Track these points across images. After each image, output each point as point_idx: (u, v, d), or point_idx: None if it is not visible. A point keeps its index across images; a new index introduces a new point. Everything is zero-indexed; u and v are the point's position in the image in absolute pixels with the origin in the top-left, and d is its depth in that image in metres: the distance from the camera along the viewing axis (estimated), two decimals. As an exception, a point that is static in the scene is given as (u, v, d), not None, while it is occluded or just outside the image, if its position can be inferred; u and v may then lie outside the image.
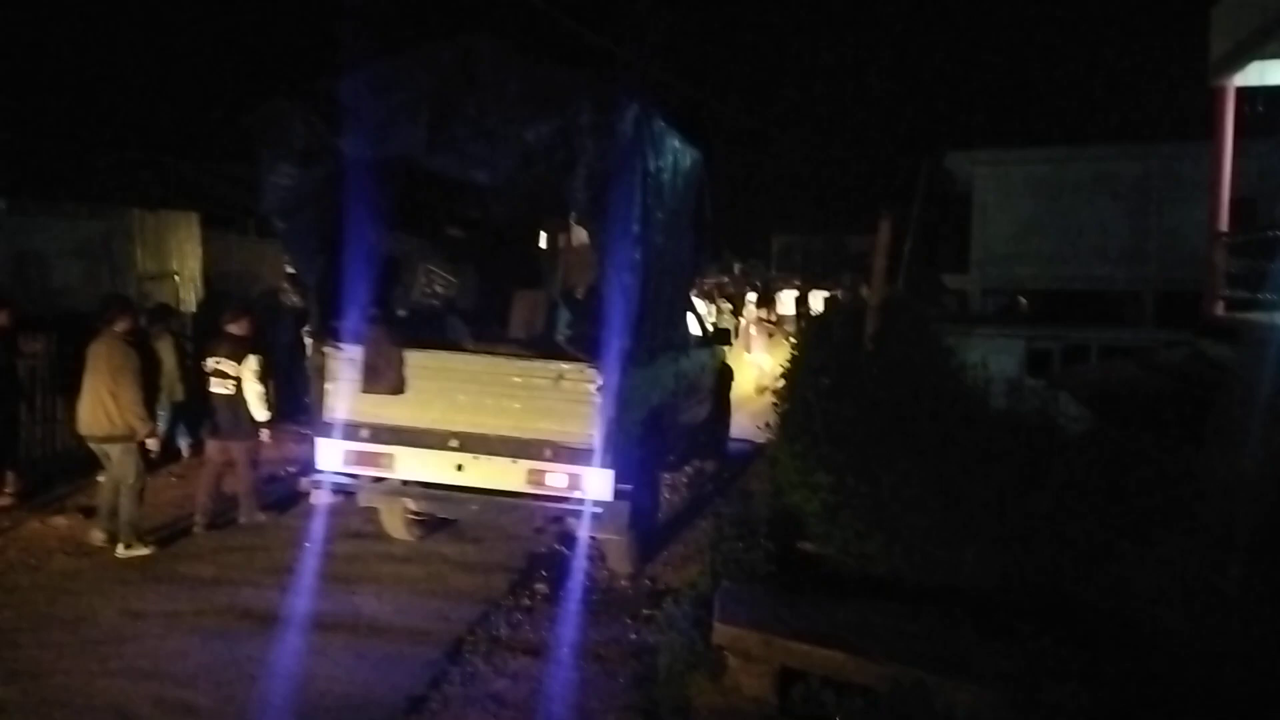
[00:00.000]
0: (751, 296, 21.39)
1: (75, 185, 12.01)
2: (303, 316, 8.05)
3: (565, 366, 5.79)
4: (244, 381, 6.85)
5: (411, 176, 6.16)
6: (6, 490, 7.50)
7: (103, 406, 6.30)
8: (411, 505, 6.39)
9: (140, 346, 6.83)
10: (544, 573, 6.41)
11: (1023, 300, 18.49)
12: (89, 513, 7.13)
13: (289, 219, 6.08)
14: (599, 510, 5.71)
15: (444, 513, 6.56)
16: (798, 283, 26.40)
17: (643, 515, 6.34)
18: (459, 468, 5.94)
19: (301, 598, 5.75)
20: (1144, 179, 17.25)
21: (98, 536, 6.63)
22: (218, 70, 21.85)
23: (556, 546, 6.83)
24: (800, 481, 5.66)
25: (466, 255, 7.32)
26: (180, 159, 14.32)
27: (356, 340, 6.00)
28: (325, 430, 6.10)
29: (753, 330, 15.98)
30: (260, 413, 6.91)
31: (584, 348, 5.79)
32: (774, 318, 18.89)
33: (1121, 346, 13.61)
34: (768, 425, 6.80)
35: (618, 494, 5.76)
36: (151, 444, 6.71)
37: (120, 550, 6.46)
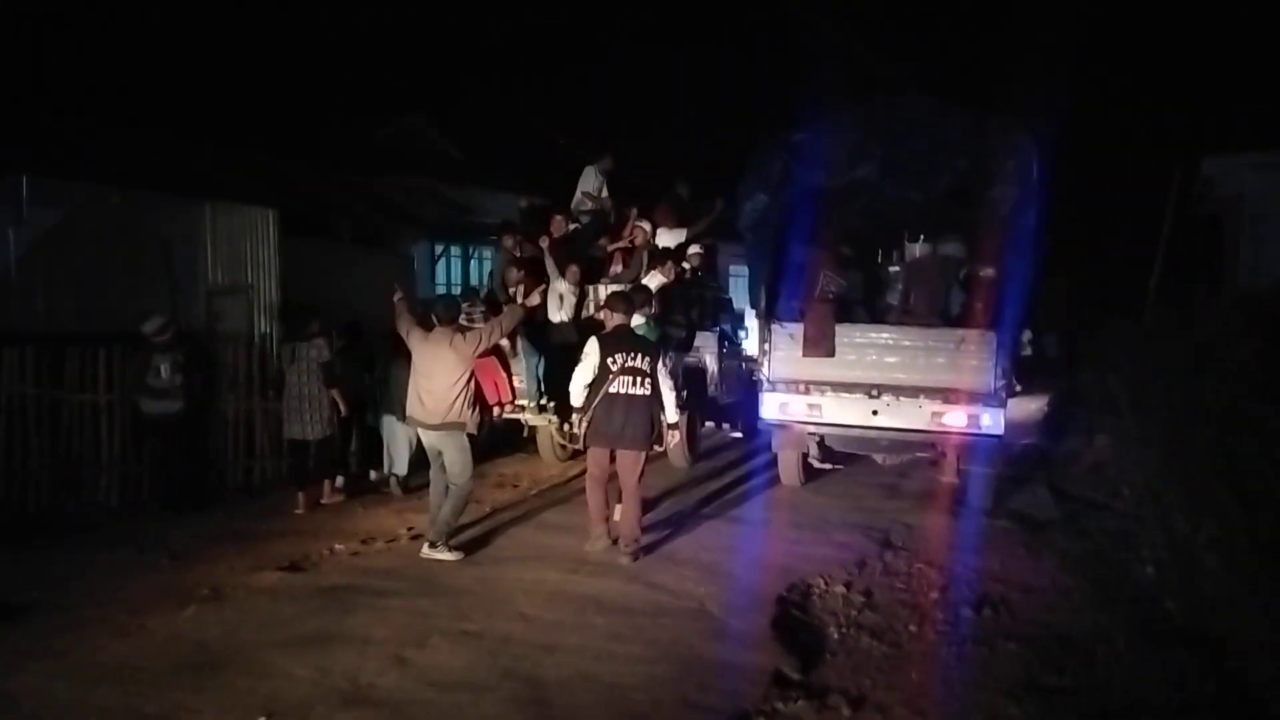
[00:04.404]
0: None
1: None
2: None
3: (968, 332, 7.58)
4: (662, 380, 6.35)
5: (828, 204, 7.85)
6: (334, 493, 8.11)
7: (437, 397, 6.35)
8: (812, 454, 8.74)
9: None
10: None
11: None
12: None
13: (754, 233, 8.09)
14: (991, 440, 7.53)
15: (859, 449, 8.36)
16: None
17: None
18: (874, 412, 7.71)
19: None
20: None
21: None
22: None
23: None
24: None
25: (850, 264, 8.87)
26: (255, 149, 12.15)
27: (795, 319, 7.96)
28: (769, 386, 8.03)
29: None
30: (674, 414, 6.48)
31: (978, 320, 7.64)
32: None
33: None
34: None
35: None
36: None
37: (425, 551, 6.36)
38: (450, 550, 6.34)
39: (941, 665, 4.56)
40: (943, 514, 7.94)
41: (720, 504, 8.15)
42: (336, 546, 6.59)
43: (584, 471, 9.59)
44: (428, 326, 6.65)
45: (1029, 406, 13.58)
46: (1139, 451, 6.02)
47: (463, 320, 8.13)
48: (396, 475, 8.43)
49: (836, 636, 4.99)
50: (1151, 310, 15.51)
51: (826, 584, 5.87)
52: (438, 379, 6.32)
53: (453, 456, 6.40)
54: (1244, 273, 14.73)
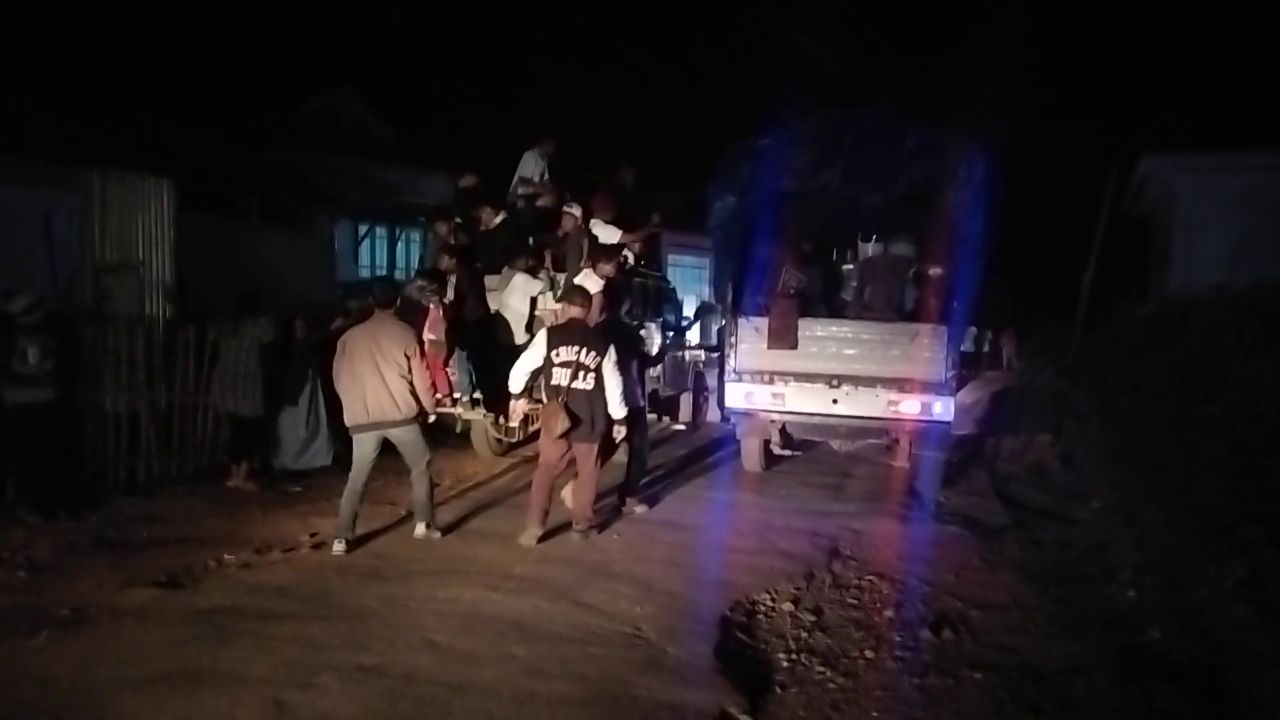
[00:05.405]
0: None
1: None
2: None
3: (921, 326, 8.19)
4: (607, 375, 6.27)
5: (792, 206, 8.41)
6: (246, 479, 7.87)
7: (387, 391, 6.08)
8: (774, 441, 9.07)
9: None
10: None
11: None
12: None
13: (722, 232, 8.64)
14: (942, 426, 8.04)
15: (819, 435, 9.03)
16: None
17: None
18: (834, 401, 8.20)
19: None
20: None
21: (338, 548, 6.02)
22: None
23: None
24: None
25: (810, 262, 9.09)
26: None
27: (759, 313, 8.40)
28: (735, 377, 8.42)
29: None
30: (618, 410, 6.40)
31: (930, 315, 8.30)
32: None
33: None
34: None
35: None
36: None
37: (420, 530, 6.41)
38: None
39: (903, 700, 4.08)
40: (890, 518, 7.54)
41: (659, 507, 7.61)
42: (225, 557, 5.85)
43: (514, 468, 9.05)
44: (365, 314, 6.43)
45: (963, 400, 13.47)
46: (1108, 464, 5.68)
47: (427, 299, 8.07)
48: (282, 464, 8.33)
49: (786, 664, 4.48)
50: (1084, 311, 15.44)
51: (773, 600, 5.36)
52: (388, 371, 6.06)
53: (410, 442, 6.28)
54: (1176, 274, 14.78)
